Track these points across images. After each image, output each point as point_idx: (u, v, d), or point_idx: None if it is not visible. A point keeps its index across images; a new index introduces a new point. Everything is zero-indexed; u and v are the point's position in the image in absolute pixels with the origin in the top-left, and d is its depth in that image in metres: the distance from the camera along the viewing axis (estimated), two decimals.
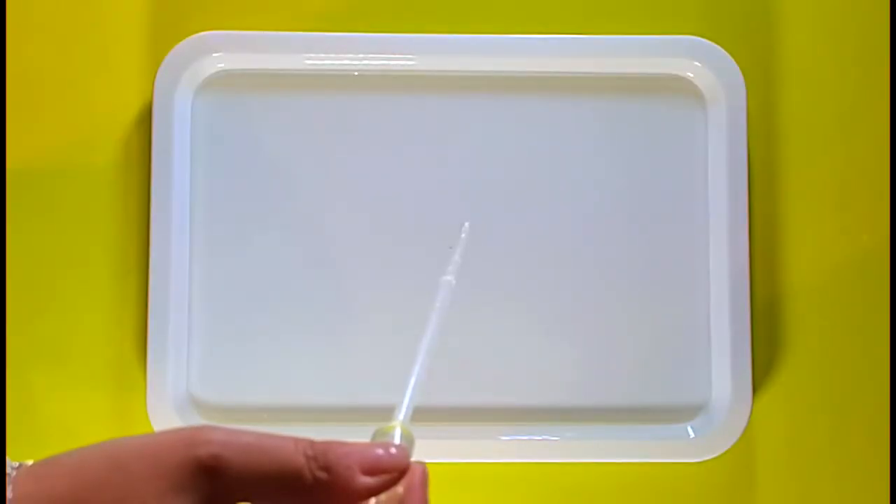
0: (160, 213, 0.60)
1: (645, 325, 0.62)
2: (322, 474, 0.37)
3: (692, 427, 0.62)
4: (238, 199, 0.62)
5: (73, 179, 0.62)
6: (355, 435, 0.41)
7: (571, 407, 0.62)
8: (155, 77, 0.61)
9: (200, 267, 0.62)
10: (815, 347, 0.63)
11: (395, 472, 0.39)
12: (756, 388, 0.61)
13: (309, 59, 0.62)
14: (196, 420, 0.61)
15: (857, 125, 0.63)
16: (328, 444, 0.38)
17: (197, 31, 0.61)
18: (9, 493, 0.35)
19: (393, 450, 0.39)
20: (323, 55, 0.62)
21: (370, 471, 0.38)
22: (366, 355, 0.61)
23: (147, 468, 0.36)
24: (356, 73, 0.62)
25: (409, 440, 0.41)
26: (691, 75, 0.62)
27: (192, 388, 0.61)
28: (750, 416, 0.60)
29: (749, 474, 0.62)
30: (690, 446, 0.61)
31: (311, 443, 0.38)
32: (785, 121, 0.63)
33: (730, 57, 0.62)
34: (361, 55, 0.62)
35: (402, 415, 0.42)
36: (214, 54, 0.61)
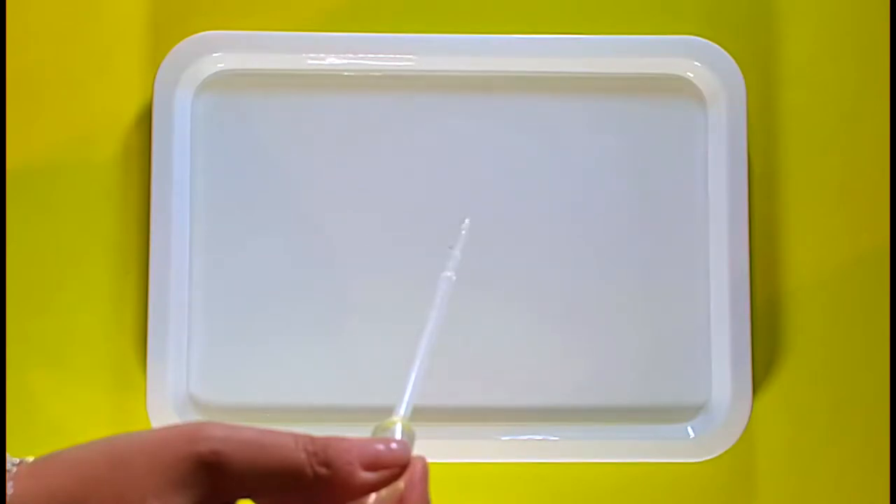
0: (160, 213, 0.60)
1: (645, 325, 0.62)
2: (323, 470, 0.37)
3: (692, 427, 0.61)
4: (238, 199, 0.62)
5: (74, 179, 0.62)
6: (355, 435, 0.40)
7: (571, 407, 0.62)
8: (155, 77, 0.61)
9: (200, 267, 0.62)
10: (815, 347, 0.63)
11: (395, 467, 0.39)
12: (756, 388, 0.61)
13: (309, 59, 0.62)
14: (196, 419, 0.60)
15: (857, 125, 0.63)
16: (328, 440, 0.38)
17: (197, 31, 0.61)
18: (9, 490, 0.35)
19: (394, 445, 0.39)
20: (323, 55, 0.62)
21: (371, 466, 0.38)
22: (366, 355, 0.61)
23: (147, 464, 0.36)
24: (356, 74, 0.62)
25: (409, 436, 0.41)
26: (691, 75, 0.62)
27: (191, 388, 0.61)
28: (750, 416, 0.60)
29: (749, 474, 0.62)
30: (690, 446, 0.61)
31: (312, 438, 0.38)
32: (785, 121, 0.63)
33: (730, 57, 0.62)
34: (361, 55, 0.62)
35: (402, 410, 0.42)
36: (214, 54, 0.61)
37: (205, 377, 0.61)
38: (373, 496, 0.38)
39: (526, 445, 0.61)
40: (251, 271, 0.62)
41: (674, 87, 0.63)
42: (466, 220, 0.56)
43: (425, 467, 0.40)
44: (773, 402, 0.62)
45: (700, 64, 0.62)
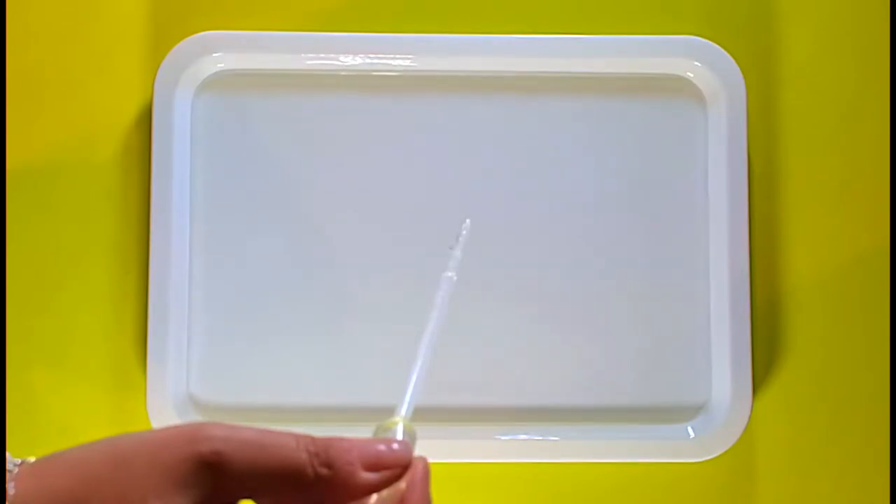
0: (160, 213, 0.60)
1: (645, 325, 0.62)
2: (324, 470, 0.37)
3: (692, 427, 0.61)
4: (238, 199, 0.62)
5: (74, 179, 0.62)
6: (355, 435, 0.40)
7: (571, 407, 0.62)
8: (155, 77, 0.61)
9: (200, 267, 0.62)
10: (815, 347, 0.63)
11: (397, 467, 0.39)
12: (756, 388, 0.61)
13: (309, 59, 0.62)
14: (196, 419, 0.60)
15: (857, 125, 0.63)
16: (330, 440, 0.38)
17: (197, 31, 0.61)
18: (10, 490, 0.35)
19: (395, 445, 0.39)
20: (323, 55, 0.62)
21: (372, 467, 0.38)
22: (366, 355, 0.61)
23: (148, 464, 0.36)
24: (356, 74, 0.62)
25: (411, 436, 0.41)
26: (691, 75, 0.62)
27: (191, 388, 0.61)
28: (750, 416, 0.60)
29: (749, 474, 0.62)
30: (690, 446, 0.61)
31: (313, 439, 0.38)
32: (785, 121, 0.63)
33: (730, 57, 0.62)
34: (361, 55, 0.62)
35: (403, 410, 0.42)
36: (214, 54, 0.61)
37: (205, 377, 0.61)
38: (374, 497, 0.38)
39: (526, 445, 0.61)
40: (251, 271, 0.62)
41: (674, 87, 0.63)
42: (467, 221, 0.56)
43: (426, 468, 0.40)
44: (773, 402, 0.62)
45: (700, 64, 0.62)
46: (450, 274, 0.48)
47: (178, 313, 0.61)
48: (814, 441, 0.63)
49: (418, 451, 0.41)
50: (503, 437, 0.61)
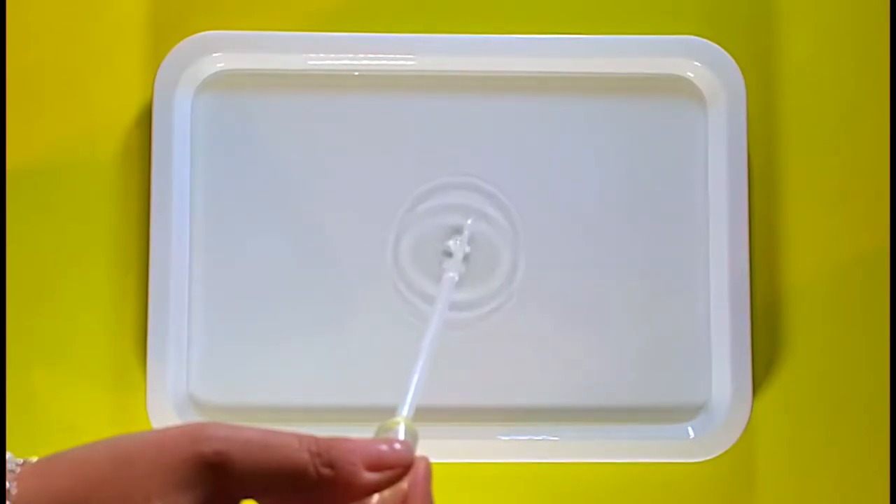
0: (160, 213, 0.60)
1: (645, 325, 0.62)
2: (326, 471, 0.37)
3: (692, 427, 0.61)
4: (238, 199, 0.62)
5: (74, 180, 0.62)
6: (356, 435, 0.40)
7: (571, 407, 0.62)
8: (155, 77, 0.61)
9: (200, 267, 0.62)
10: (815, 347, 0.63)
11: (399, 467, 0.39)
12: (756, 388, 0.61)
13: (309, 59, 0.62)
14: (196, 419, 0.60)
15: (857, 125, 0.63)
16: (332, 441, 0.38)
17: (197, 31, 0.61)
18: (13, 490, 0.35)
19: (397, 445, 0.39)
20: (323, 55, 0.62)
21: (374, 467, 0.38)
22: (366, 355, 0.61)
23: (150, 464, 0.36)
24: (356, 73, 0.62)
25: (412, 436, 0.41)
26: (691, 75, 0.62)
27: (191, 388, 0.61)
28: (750, 416, 0.60)
29: (749, 474, 0.62)
30: (690, 446, 0.61)
31: (315, 439, 0.38)
32: (785, 121, 0.63)
33: (730, 57, 0.62)
34: (361, 55, 0.62)
35: (405, 410, 0.42)
36: (214, 54, 0.61)
37: (205, 377, 0.61)
38: (376, 497, 0.38)
39: (526, 445, 0.61)
40: (251, 271, 0.61)
41: (674, 87, 0.63)
42: (469, 221, 0.56)
43: (428, 467, 0.40)
44: (773, 402, 0.63)
45: (700, 64, 0.62)
46: (451, 274, 0.48)
47: (178, 313, 0.61)
48: (814, 441, 0.63)
49: (419, 451, 0.41)
50: (503, 437, 0.61)
